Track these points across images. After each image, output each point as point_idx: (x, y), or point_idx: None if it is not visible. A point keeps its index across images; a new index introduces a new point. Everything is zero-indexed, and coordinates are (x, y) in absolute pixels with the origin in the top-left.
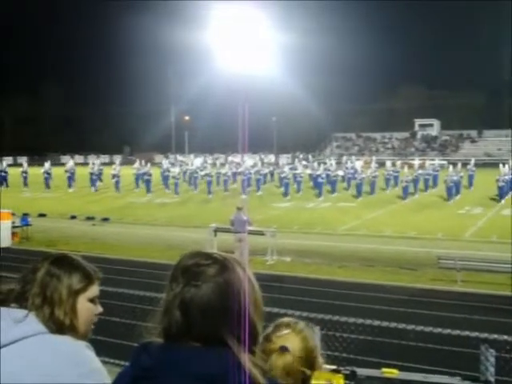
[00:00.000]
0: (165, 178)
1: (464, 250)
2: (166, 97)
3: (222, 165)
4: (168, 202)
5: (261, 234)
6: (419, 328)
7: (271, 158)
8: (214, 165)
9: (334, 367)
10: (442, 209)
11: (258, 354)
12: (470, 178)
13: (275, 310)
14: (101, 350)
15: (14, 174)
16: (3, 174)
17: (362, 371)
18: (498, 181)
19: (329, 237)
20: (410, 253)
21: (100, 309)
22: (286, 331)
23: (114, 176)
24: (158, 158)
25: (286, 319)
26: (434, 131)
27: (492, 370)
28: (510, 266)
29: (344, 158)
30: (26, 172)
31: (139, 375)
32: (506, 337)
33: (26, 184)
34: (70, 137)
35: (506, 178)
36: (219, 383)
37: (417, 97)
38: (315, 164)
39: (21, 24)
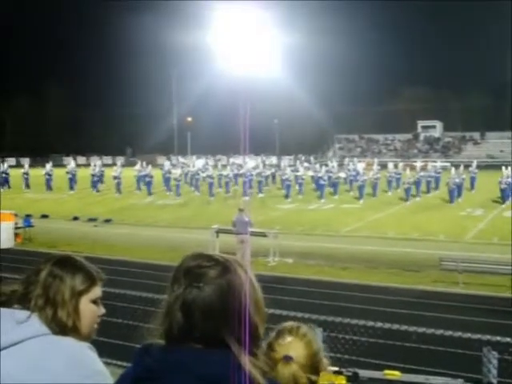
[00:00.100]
0: (166, 180)
1: (466, 251)
2: (168, 98)
3: (224, 166)
4: (169, 203)
5: (263, 235)
6: (421, 330)
7: (274, 159)
8: (215, 166)
9: (336, 369)
10: (444, 211)
11: (259, 355)
12: (472, 180)
13: (278, 311)
14: (103, 351)
15: (16, 175)
16: (4, 175)
17: (364, 373)
18: (500, 183)
19: (331, 238)
20: (412, 254)
21: (103, 310)
22: (288, 339)
23: (115, 177)
24: (161, 159)
25: (288, 324)
26: (437, 133)
27: (494, 372)
28: (511, 267)
29: (346, 159)
30: (27, 173)
31: (141, 376)
32: (508, 339)
33: (27, 185)
34: (72, 138)
35: (509, 180)
36: None
37: (419, 99)
38: (317, 166)
39: (21, 25)
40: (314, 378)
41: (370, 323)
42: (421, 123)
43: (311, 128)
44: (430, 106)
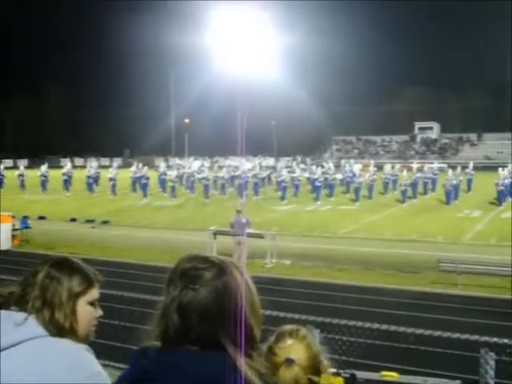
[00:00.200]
0: (162, 182)
1: (464, 253)
2: (166, 99)
3: (220, 168)
4: (166, 205)
5: (260, 237)
6: (419, 331)
7: (271, 161)
8: (211, 168)
9: (333, 370)
10: (442, 212)
11: (256, 357)
12: (469, 181)
13: (275, 313)
14: (100, 352)
15: (12, 176)
16: (0, 176)
17: (361, 374)
18: (497, 185)
19: (328, 240)
20: (410, 256)
21: (100, 312)
22: (289, 342)
23: (110, 179)
24: (159, 160)
25: (287, 327)
26: (434, 134)
27: (492, 373)
28: (509, 269)
29: (342, 161)
30: (22, 175)
31: (138, 378)
32: (505, 340)
33: (22, 187)
34: (70, 139)
35: (506, 181)
36: None
37: (417, 100)
38: (313, 167)
39: (20, 25)
40: (315, 379)
41: (368, 324)
42: (418, 124)
43: (309, 129)
44: (427, 107)
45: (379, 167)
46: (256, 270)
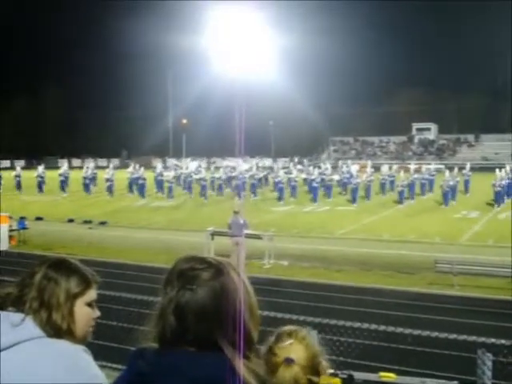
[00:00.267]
0: (158, 182)
1: (461, 254)
2: (163, 100)
3: (217, 169)
4: (163, 206)
5: (258, 237)
6: (416, 332)
7: (269, 161)
8: (208, 169)
9: (331, 371)
10: (439, 213)
11: (253, 358)
12: (466, 182)
13: (272, 313)
14: (98, 353)
15: (9, 177)
16: None
17: (359, 375)
18: (494, 186)
19: (326, 241)
20: (407, 257)
21: (98, 313)
22: (288, 341)
23: (107, 180)
24: (156, 161)
25: (286, 328)
26: (432, 135)
27: (489, 374)
28: (506, 270)
29: (340, 162)
30: (19, 176)
31: (135, 380)
32: (503, 341)
33: (18, 188)
34: (68, 140)
35: (503, 182)
36: None
37: (414, 101)
38: (310, 168)
39: (18, 26)
40: (314, 379)
41: (366, 325)
42: (416, 125)
43: (307, 130)
44: (424, 108)
45: (376, 168)
46: (254, 271)
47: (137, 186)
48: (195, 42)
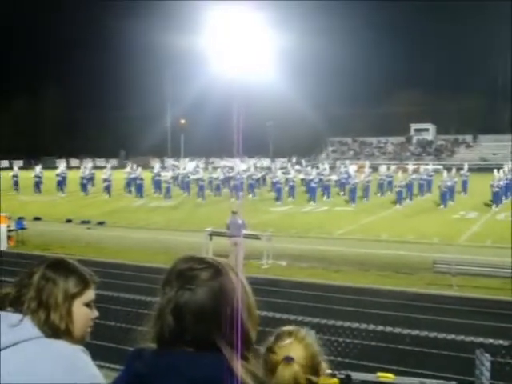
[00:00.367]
0: (156, 183)
1: (459, 254)
2: (162, 100)
3: (215, 169)
4: (161, 206)
5: (256, 238)
6: (415, 332)
7: (267, 162)
8: (206, 169)
9: (329, 371)
10: (437, 214)
11: (251, 359)
12: (464, 183)
13: (271, 314)
14: (96, 354)
15: (8, 177)
16: None
17: (357, 375)
18: (492, 186)
19: (324, 241)
20: (405, 257)
21: (96, 313)
22: (288, 340)
23: (104, 180)
24: (155, 161)
25: (286, 328)
26: (430, 136)
27: (487, 374)
28: (505, 270)
29: (337, 162)
30: (16, 176)
31: (133, 381)
32: (501, 341)
33: (16, 188)
34: (66, 140)
35: (501, 183)
36: None
37: (412, 101)
38: (308, 168)
39: (17, 26)
40: (314, 379)
41: (364, 326)
42: (414, 126)
43: (305, 130)
44: (422, 108)
45: (374, 168)
46: (252, 271)
47: (134, 186)
48: (194, 42)
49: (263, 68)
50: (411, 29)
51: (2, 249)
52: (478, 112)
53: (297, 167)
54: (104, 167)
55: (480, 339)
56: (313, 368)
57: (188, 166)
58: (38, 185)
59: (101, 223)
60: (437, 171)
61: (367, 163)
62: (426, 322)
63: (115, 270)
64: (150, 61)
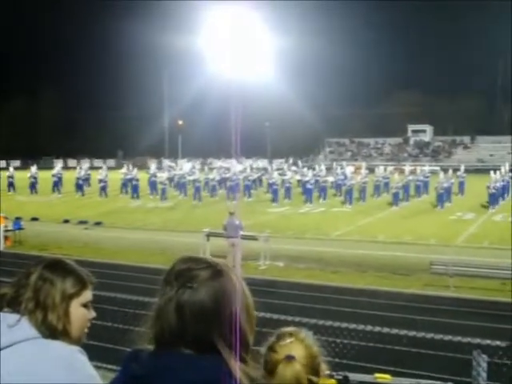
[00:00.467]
0: (152, 183)
1: (456, 255)
2: (159, 100)
3: (211, 170)
4: (157, 207)
5: (254, 239)
6: (412, 333)
7: (264, 163)
8: (202, 170)
9: (328, 372)
10: (434, 215)
11: (250, 362)
12: (461, 184)
13: (268, 315)
14: (93, 354)
15: (3, 177)
16: None
17: (354, 376)
18: (488, 188)
19: (322, 242)
20: (402, 258)
21: (93, 314)
22: (289, 340)
23: (100, 181)
24: (152, 162)
25: (287, 328)
26: (427, 137)
27: (484, 375)
28: (502, 271)
29: (334, 163)
30: (12, 176)
31: (130, 383)
32: (498, 342)
33: (10, 189)
34: (63, 141)
35: (497, 185)
36: None
37: (410, 103)
38: (304, 169)
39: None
40: (314, 379)
41: (361, 327)
42: (411, 127)
43: (303, 131)
44: (420, 110)
45: (372, 170)
46: (249, 272)
47: (130, 186)
48: (191, 42)
49: (261, 68)
50: (410, 29)
51: None
52: (476, 113)
53: (293, 168)
54: (101, 168)
55: (477, 340)
56: (313, 368)
57: (184, 166)
58: (33, 185)
59: (98, 223)
60: (433, 172)
61: (364, 164)
62: (423, 323)
63: (112, 270)
64: (147, 61)
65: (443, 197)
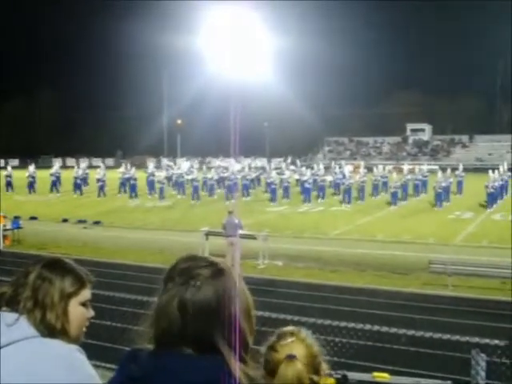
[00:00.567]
0: (150, 183)
1: (455, 254)
2: (158, 100)
3: (209, 169)
4: (156, 206)
5: (253, 238)
6: (410, 332)
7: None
8: (200, 169)
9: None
10: (433, 214)
11: (250, 362)
12: (459, 183)
13: (267, 314)
14: (92, 353)
15: (2, 176)
16: None
17: (353, 375)
18: (486, 187)
19: (320, 241)
20: (401, 257)
21: (92, 312)
22: (290, 339)
23: (98, 180)
24: (151, 161)
25: (288, 328)
26: (426, 136)
27: (483, 374)
28: (500, 270)
29: (333, 162)
30: (9, 176)
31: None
32: (496, 341)
33: (8, 188)
34: (62, 140)
35: (496, 184)
36: None
37: (409, 102)
38: (303, 169)
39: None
40: (315, 378)
41: (360, 326)
42: (410, 126)
43: (302, 130)
44: (419, 109)
45: (370, 169)
46: (248, 271)
47: (128, 186)
48: (190, 42)
49: (260, 68)
50: (410, 29)
51: None
52: (475, 112)
53: (291, 167)
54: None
55: (476, 339)
56: (314, 367)
57: (182, 166)
58: (31, 184)
59: (97, 223)
60: (432, 171)
61: (362, 163)
62: (422, 321)
63: (111, 269)
64: (146, 61)
65: (441, 196)
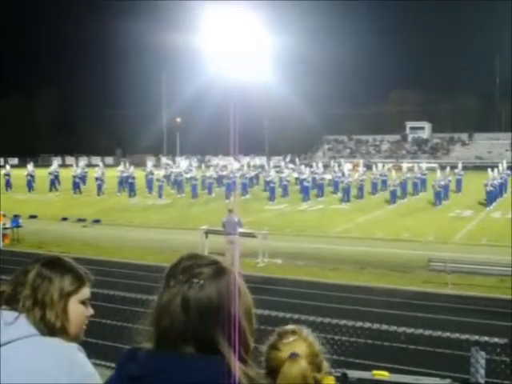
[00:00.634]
0: (149, 181)
1: (455, 252)
2: (158, 99)
3: (208, 167)
4: (156, 204)
5: (252, 236)
6: (410, 330)
7: (261, 160)
8: (199, 167)
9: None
10: (432, 212)
11: (250, 363)
12: (458, 182)
13: (266, 312)
14: (92, 352)
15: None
16: None
17: (353, 373)
18: (485, 185)
19: (320, 239)
20: (401, 255)
21: (91, 311)
22: (292, 338)
23: (97, 179)
24: (151, 160)
25: (289, 326)
26: (425, 134)
27: (482, 372)
28: (500, 268)
29: (332, 161)
30: (8, 174)
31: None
32: (496, 339)
33: (6, 188)
34: (62, 139)
35: (495, 182)
36: None
37: (408, 100)
38: (302, 167)
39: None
40: (318, 376)
41: (359, 324)
42: (409, 124)
43: (301, 129)
44: (418, 107)
45: (370, 167)
46: (248, 270)
47: (127, 184)
48: (190, 41)
49: (259, 67)
50: (408, 30)
51: None
52: (474, 110)
53: (290, 166)
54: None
55: (475, 337)
56: (316, 366)
57: (181, 164)
58: (30, 183)
59: (96, 221)
60: (431, 170)
61: (361, 162)
62: (422, 319)
63: (110, 268)
64: (146, 59)
65: (441, 194)
